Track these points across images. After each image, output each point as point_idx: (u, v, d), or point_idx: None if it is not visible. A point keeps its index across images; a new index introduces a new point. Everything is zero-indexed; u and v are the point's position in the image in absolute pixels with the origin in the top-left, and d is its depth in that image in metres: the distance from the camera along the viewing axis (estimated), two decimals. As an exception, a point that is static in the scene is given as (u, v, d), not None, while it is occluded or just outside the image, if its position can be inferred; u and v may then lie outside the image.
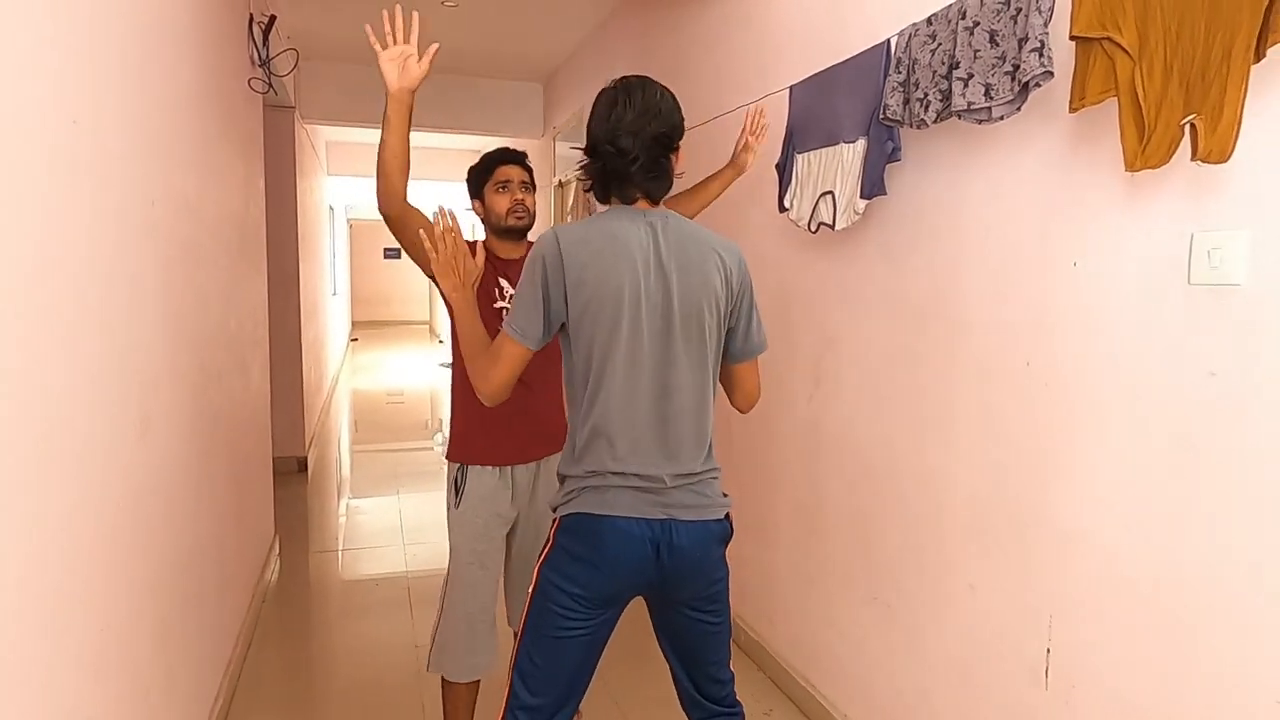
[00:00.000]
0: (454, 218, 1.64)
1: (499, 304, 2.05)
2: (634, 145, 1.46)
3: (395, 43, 1.77)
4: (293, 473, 5.23)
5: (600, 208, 1.56)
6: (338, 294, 10.52)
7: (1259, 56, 1.12)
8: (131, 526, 1.63)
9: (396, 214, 1.85)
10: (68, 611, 1.30)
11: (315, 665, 2.98)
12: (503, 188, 2.04)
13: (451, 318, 1.70)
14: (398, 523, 4.49)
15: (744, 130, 2.24)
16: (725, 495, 1.55)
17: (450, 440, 2.10)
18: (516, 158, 2.09)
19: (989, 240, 1.79)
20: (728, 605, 1.60)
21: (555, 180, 5.80)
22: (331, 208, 9.42)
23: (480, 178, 2.08)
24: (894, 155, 1.87)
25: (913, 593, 2.07)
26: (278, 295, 4.66)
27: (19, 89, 1.16)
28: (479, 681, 2.10)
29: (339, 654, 3.08)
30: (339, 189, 10.04)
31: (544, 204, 6.04)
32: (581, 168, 1.53)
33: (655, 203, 1.53)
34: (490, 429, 2.01)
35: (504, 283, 2.06)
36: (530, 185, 2.09)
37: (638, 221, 1.48)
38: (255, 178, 3.50)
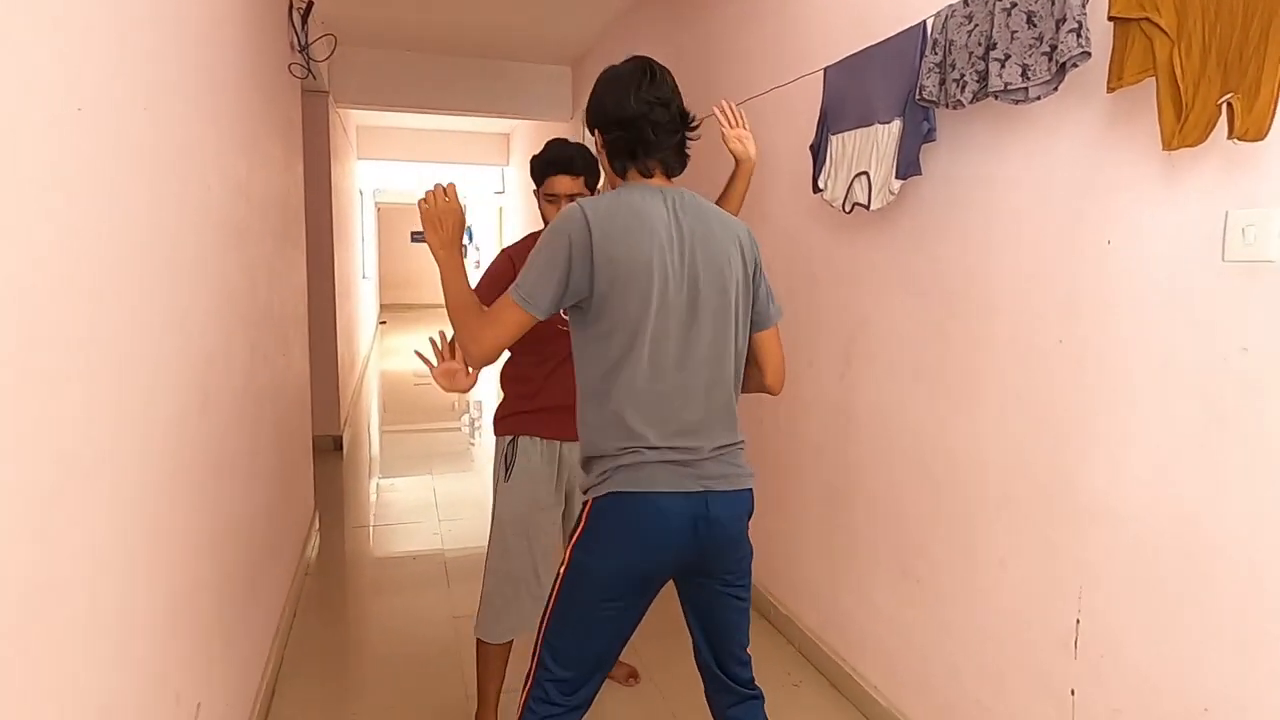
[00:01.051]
0: (452, 190, 1.66)
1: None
2: (665, 117, 1.50)
3: (444, 359, 1.90)
4: (329, 451, 5.35)
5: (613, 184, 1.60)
6: (367, 277, 10.65)
7: (1296, 36, 1.14)
8: (194, 495, 1.71)
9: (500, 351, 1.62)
10: (144, 572, 1.38)
11: (356, 636, 3.08)
12: (550, 200, 2.11)
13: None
14: (432, 500, 4.59)
15: (730, 124, 2.06)
16: (749, 466, 1.59)
17: (499, 416, 2.17)
18: (569, 167, 2.09)
19: (1023, 220, 1.82)
20: (750, 581, 1.63)
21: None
22: (361, 191, 9.53)
23: (537, 177, 2.14)
24: (929, 136, 1.90)
25: (942, 567, 2.11)
26: (314, 278, 4.75)
27: (102, 81, 1.23)
28: (510, 644, 2.18)
29: (379, 625, 3.18)
30: (368, 172, 10.16)
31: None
32: (605, 140, 1.55)
33: (671, 179, 1.57)
34: (540, 404, 2.09)
35: None
36: (582, 191, 2.10)
37: (657, 197, 1.51)
38: (295, 162, 3.58)
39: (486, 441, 5.90)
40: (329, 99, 5.37)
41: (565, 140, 2.17)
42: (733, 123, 2.03)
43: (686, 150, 1.58)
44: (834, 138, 2.26)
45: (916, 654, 2.23)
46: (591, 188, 2.14)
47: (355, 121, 8.17)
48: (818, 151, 2.33)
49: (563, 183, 2.08)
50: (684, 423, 1.47)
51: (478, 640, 2.18)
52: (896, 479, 2.29)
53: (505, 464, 2.13)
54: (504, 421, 2.15)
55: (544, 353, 2.09)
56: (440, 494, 4.71)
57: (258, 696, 2.29)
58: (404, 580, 3.55)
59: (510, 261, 2.10)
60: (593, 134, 1.59)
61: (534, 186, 2.18)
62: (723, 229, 1.54)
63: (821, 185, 2.32)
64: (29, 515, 0.96)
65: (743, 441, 1.57)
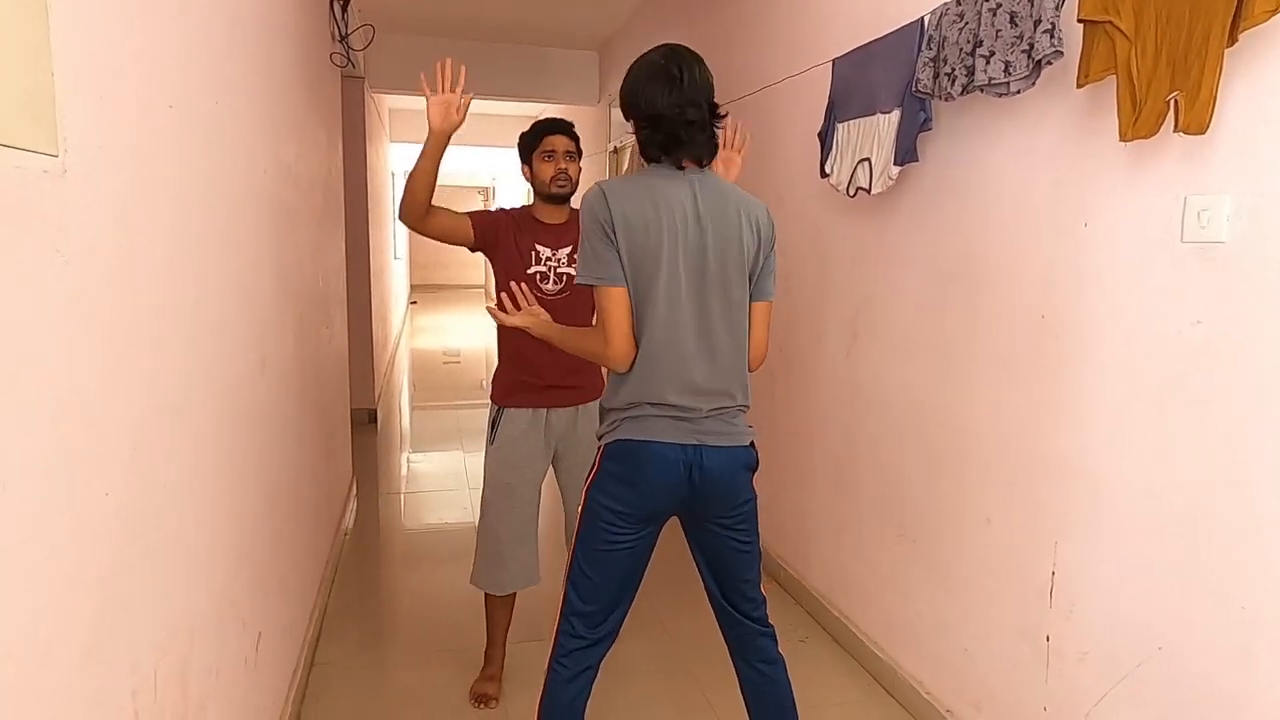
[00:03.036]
0: (528, 290, 1.90)
1: (533, 268, 2.27)
2: (698, 115, 1.64)
3: (443, 90, 2.10)
4: (364, 424, 5.60)
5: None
6: (399, 258, 10.92)
7: (1232, 40, 1.27)
8: (255, 449, 1.92)
9: (415, 222, 2.16)
10: (219, 507, 1.59)
11: (391, 589, 3.32)
12: (548, 156, 2.25)
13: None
14: (463, 473, 4.81)
15: (727, 144, 2.13)
16: (750, 427, 1.76)
17: (494, 384, 2.37)
18: (563, 127, 2.28)
19: (1010, 204, 1.96)
20: (756, 530, 1.78)
21: (610, 146, 6.00)
22: (393, 173, 9.77)
23: (529, 144, 2.29)
24: (925, 125, 2.04)
25: (935, 528, 2.28)
26: (351, 256, 4.99)
27: (185, 81, 1.42)
28: (514, 596, 2.44)
29: (411, 589, 3.40)
30: (400, 155, 10.41)
31: (599, 169, 6.25)
32: (640, 133, 1.69)
33: (701, 166, 1.72)
34: (524, 377, 2.29)
35: (540, 248, 2.27)
36: (575, 154, 2.29)
37: (679, 179, 1.66)
38: (335, 146, 3.79)
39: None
40: (365, 84, 5.58)
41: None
42: (728, 143, 2.13)
43: (716, 140, 1.71)
44: (840, 125, 2.41)
45: (912, 610, 2.40)
46: (579, 148, 2.33)
47: (388, 105, 8.39)
48: (825, 138, 2.49)
49: (558, 140, 2.26)
50: (688, 384, 1.64)
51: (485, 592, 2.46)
52: (897, 446, 2.45)
53: (492, 427, 2.34)
54: (497, 391, 2.35)
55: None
56: (470, 468, 4.93)
57: (306, 634, 2.53)
58: (437, 548, 3.75)
59: (503, 213, 2.33)
60: (626, 120, 1.73)
61: (522, 164, 2.36)
62: (738, 210, 1.68)
63: (828, 170, 2.48)
64: (120, 450, 1.16)
65: (744, 405, 1.73)
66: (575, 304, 2.23)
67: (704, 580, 1.82)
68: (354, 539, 3.74)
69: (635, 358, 1.65)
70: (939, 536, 2.27)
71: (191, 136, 1.45)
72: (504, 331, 2.27)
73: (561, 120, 2.33)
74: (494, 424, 2.34)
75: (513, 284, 1.90)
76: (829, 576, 2.88)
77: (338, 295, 3.72)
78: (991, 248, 2.03)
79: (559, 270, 2.28)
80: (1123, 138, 1.47)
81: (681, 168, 1.68)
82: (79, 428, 0.97)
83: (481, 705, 2.38)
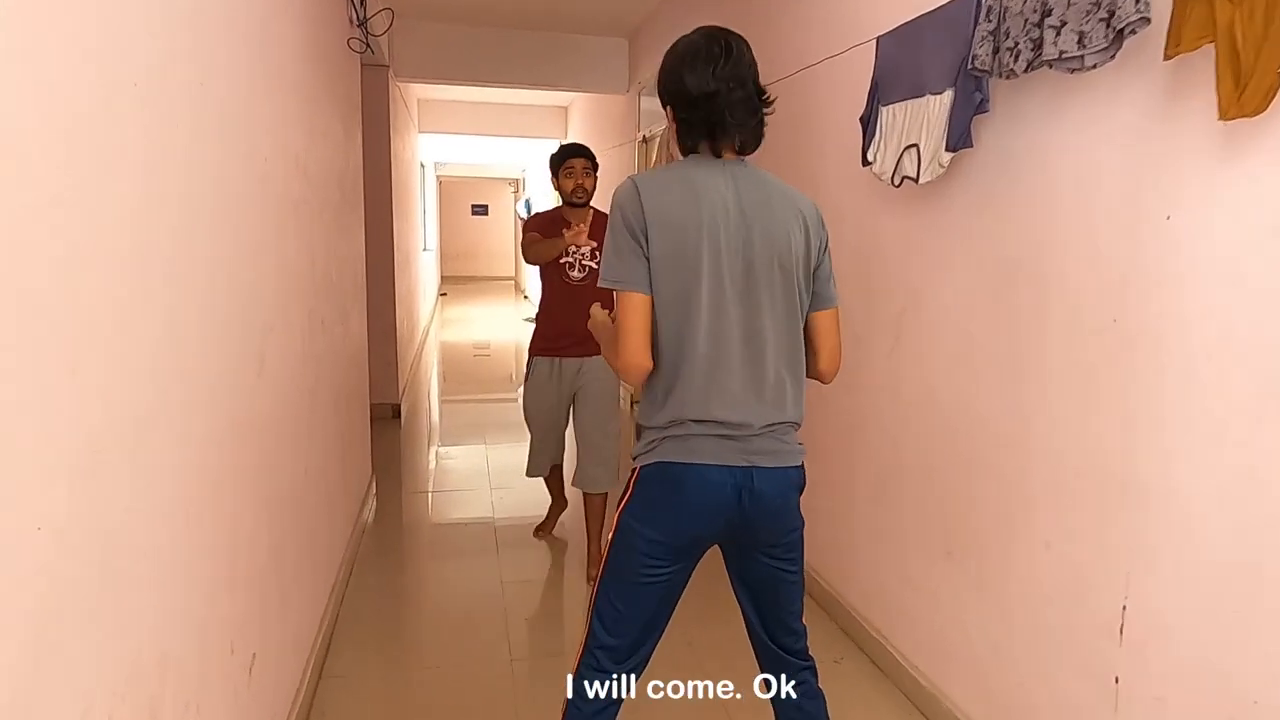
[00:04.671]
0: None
1: (563, 259, 3.08)
2: (742, 96, 1.48)
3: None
4: (388, 419, 5.51)
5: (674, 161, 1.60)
6: (428, 249, 10.86)
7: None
8: (252, 455, 1.79)
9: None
10: (199, 525, 1.46)
11: (409, 597, 3.19)
12: (569, 173, 3.09)
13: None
14: (485, 470, 4.69)
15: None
16: (801, 445, 1.60)
17: (530, 342, 3.28)
18: (581, 152, 3.12)
19: (1078, 193, 1.76)
20: (802, 556, 1.63)
21: (639, 135, 5.83)
22: (422, 165, 9.69)
23: (556, 164, 3.14)
24: (982, 107, 1.84)
25: (985, 547, 2.08)
26: (373, 248, 4.88)
27: (155, 59, 1.28)
28: (559, 477, 3.55)
29: (431, 588, 3.29)
30: (429, 145, 10.32)
31: (627, 159, 6.08)
32: (677, 120, 1.54)
33: (743, 155, 1.55)
34: (548, 335, 3.18)
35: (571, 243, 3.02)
36: (590, 170, 3.10)
37: (717, 170, 1.50)
38: (354, 134, 3.66)
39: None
40: (389, 73, 5.46)
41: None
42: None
43: (763, 128, 1.55)
44: (884, 109, 2.21)
45: (959, 635, 2.21)
46: (594, 165, 3.13)
47: (416, 95, 8.29)
48: (867, 123, 2.29)
49: (577, 162, 3.09)
50: (735, 398, 1.47)
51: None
52: (945, 456, 2.26)
53: (527, 372, 3.27)
54: (531, 346, 3.26)
55: (554, 287, 3.14)
56: (493, 464, 4.80)
57: (314, 645, 2.40)
58: (456, 545, 3.65)
59: (542, 218, 3.24)
60: (664, 109, 1.57)
61: (551, 176, 3.19)
62: (784, 203, 1.52)
63: (870, 158, 2.28)
64: (58, 473, 1.02)
65: (797, 421, 1.56)
66: (592, 291, 2.84)
67: (744, 612, 1.67)
68: (372, 539, 3.62)
69: (663, 368, 1.49)
70: (989, 556, 2.08)
71: (165, 118, 1.31)
72: (541, 307, 3.23)
73: (580, 145, 3.17)
74: (527, 370, 3.26)
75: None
76: (866, 592, 2.69)
77: (355, 289, 3.60)
78: (1056, 242, 1.83)
79: (584, 262, 3.09)
80: (1223, 116, 1.27)
81: (720, 155, 1.52)
82: (-2, 453, 0.83)
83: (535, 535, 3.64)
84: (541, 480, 3.51)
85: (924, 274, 2.31)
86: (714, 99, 1.47)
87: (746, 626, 1.69)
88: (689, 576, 1.58)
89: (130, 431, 1.15)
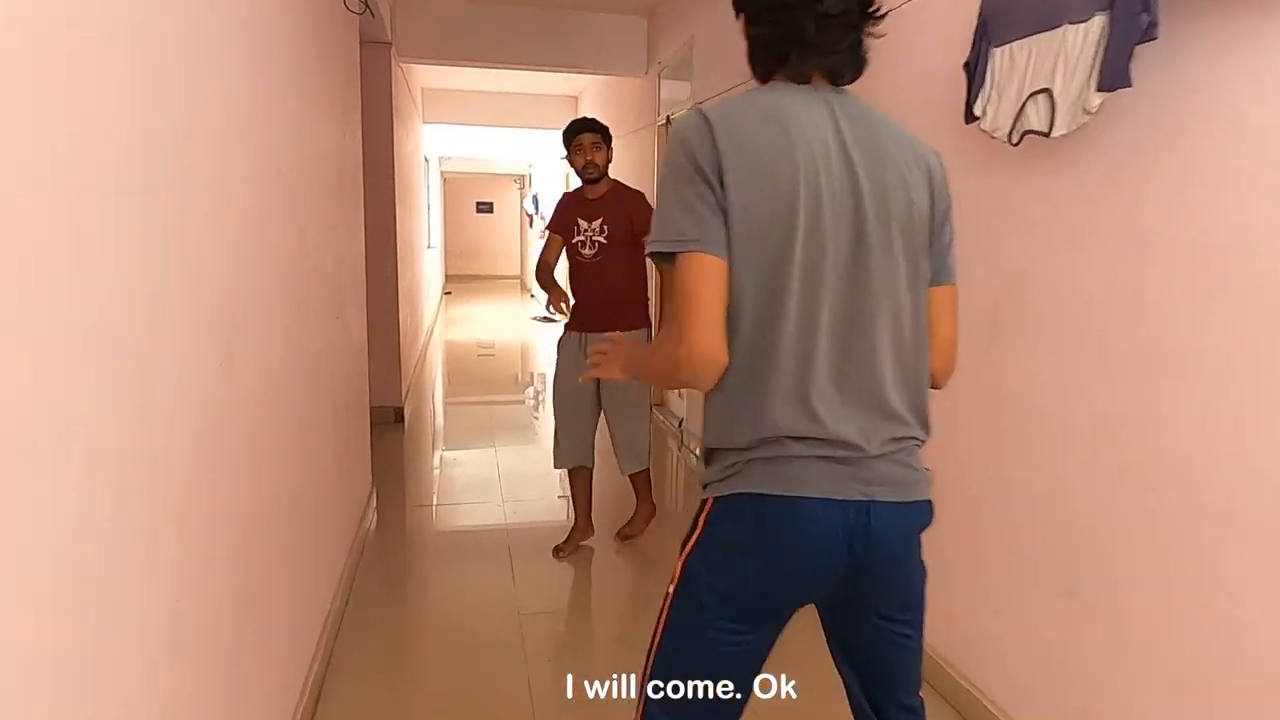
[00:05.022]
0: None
1: (575, 238, 3.06)
2: (839, 7, 1.11)
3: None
4: (390, 423, 5.11)
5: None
6: (432, 246, 10.45)
7: None
8: (218, 472, 1.40)
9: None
10: (151, 561, 1.07)
11: (415, 616, 2.82)
12: (578, 150, 3.02)
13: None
14: (495, 476, 4.30)
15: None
16: (928, 469, 1.21)
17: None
18: (591, 126, 3.04)
19: (1270, 148, 1.36)
20: (923, 614, 1.26)
21: (660, 119, 5.43)
22: (426, 158, 9.27)
23: (567, 140, 3.07)
24: (1150, 33, 1.43)
25: (1129, 591, 1.68)
26: (374, 241, 4.47)
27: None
28: (588, 477, 3.21)
29: (438, 605, 2.93)
30: (434, 138, 9.89)
31: (648, 144, 5.68)
32: (751, 34, 1.18)
33: (838, 85, 1.17)
34: (574, 310, 3.12)
35: (580, 222, 3.04)
36: (600, 144, 3.02)
37: (813, 99, 1.13)
38: (352, 110, 3.27)
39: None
40: (392, 51, 5.07)
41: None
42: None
43: (864, 51, 1.17)
44: (997, 51, 1.80)
45: (1082, 693, 1.80)
46: (608, 144, 3.05)
47: (420, 84, 7.88)
48: (973, 69, 1.88)
49: (586, 137, 3.00)
50: (847, 404, 1.09)
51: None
52: (1061, 475, 1.86)
53: (559, 347, 3.19)
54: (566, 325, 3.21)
55: (572, 265, 3.11)
56: (503, 469, 4.41)
57: (302, 694, 2.01)
58: (467, 558, 3.29)
59: (560, 206, 3.19)
60: (737, 16, 1.21)
61: (564, 153, 3.10)
62: (902, 149, 1.16)
63: (978, 112, 1.87)
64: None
65: (923, 439, 1.19)
66: (605, 266, 3.02)
67: (848, 686, 1.29)
68: (373, 555, 3.23)
69: (741, 365, 1.10)
70: (1135, 603, 1.67)
71: (96, 72, 0.92)
72: (579, 277, 3.11)
73: (589, 119, 3.09)
74: (559, 345, 3.19)
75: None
76: (952, 635, 2.28)
77: (353, 283, 3.21)
78: (1231, 210, 1.43)
79: (594, 239, 3.03)
80: None
81: (806, 83, 1.15)
82: None
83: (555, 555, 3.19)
84: (561, 481, 3.30)
85: (1038, 250, 1.90)
86: (797, 7, 1.11)
87: (847, 695, 1.31)
88: (772, 644, 1.20)
89: (36, 457, 0.77)
